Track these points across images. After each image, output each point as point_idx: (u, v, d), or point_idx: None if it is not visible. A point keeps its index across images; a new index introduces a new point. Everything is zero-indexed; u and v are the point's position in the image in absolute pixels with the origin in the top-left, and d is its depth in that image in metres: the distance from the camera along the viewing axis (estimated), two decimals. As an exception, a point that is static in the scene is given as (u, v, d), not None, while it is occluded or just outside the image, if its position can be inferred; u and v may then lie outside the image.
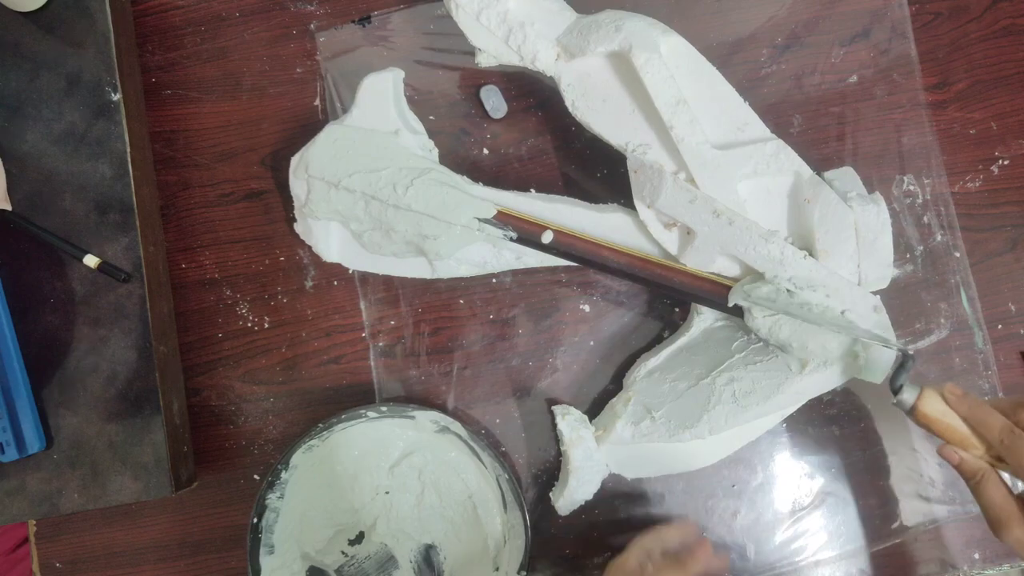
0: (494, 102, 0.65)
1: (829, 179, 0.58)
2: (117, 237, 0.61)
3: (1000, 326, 0.65)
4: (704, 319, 0.61)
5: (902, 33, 0.66)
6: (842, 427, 0.64)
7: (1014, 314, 0.65)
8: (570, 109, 0.58)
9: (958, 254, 0.65)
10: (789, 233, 0.58)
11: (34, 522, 0.65)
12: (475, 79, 0.66)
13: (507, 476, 0.58)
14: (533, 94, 0.66)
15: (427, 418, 0.61)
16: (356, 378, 0.65)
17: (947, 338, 0.64)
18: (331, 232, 0.62)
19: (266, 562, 0.59)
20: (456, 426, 0.60)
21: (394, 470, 0.63)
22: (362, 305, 0.65)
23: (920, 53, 0.66)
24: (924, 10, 0.67)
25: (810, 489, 0.64)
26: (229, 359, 0.65)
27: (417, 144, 0.60)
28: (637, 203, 0.58)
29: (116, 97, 0.61)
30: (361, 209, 0.59)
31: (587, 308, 0.65)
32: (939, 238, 0.65)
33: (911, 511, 0.63)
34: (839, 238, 0.55)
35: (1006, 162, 0.66)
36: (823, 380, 0.57)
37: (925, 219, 0.65)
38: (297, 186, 0.61)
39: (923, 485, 0.64)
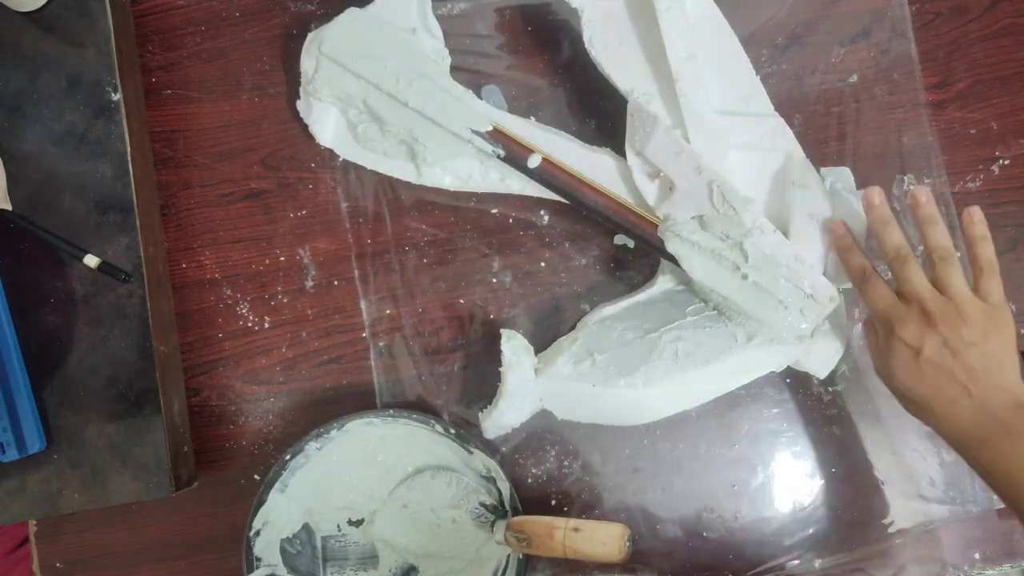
0: (495, 102, 0.65)
1: (824, 174, 0.59)
2: (117, 237, 0.61)
3: (1000, 326, 0.65)
4: (667, 280, 0.63)
5: (902, 33, 0.66)
6: (842, 427, 0.64)
7: (1014, 314, 0.65)
8: (586, 44, 0.59)
9: (958, 254, 0.65)
10: (766, 211, 0.58)
11: (34, 522, 0.65)
12: (476, 79, 0.66)
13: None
14: (534, 93, 0.66)
15: (480, 461, 0.60)
16: (356, 378, 0.65)
17: (947, 338, 0.64)
18: (329, 116, 0.63)
19: (275, 497, 0.59)
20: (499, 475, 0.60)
21: (411, 481, 0.63)
22: (362, 305, 0.65)
23: (920, 53, 0.66)
24: (924, 10, 0.67)
25: (810, 489, 0.64)
26: (229, 359, 0.65)
27: (432, 47, 0.62)
28: (627, 148, 0.59)
29: (116, 97, 0.61)
30: (361, 98, 0.60)
31: (587, 308, 0.65)
32: (939, 238, 0.65)
33: (911, 511, 0.63)
34: (814, 225, 0.56)
35: (1006, 162, 0.66)
36: (767, 359, 0.58)
37: (925, 219, 0.65)
38: (307, 62, 0.62)
39: (923, 485, 0.64)
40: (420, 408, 0.64)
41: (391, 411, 0.60)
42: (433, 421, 0.60)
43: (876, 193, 0.55)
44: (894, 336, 0.52)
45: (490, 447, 0.64)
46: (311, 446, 0.60)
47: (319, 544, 0.63)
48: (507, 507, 0.59)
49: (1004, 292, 0.53)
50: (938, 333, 0.51)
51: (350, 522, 0.63)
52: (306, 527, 0.63)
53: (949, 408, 0.51)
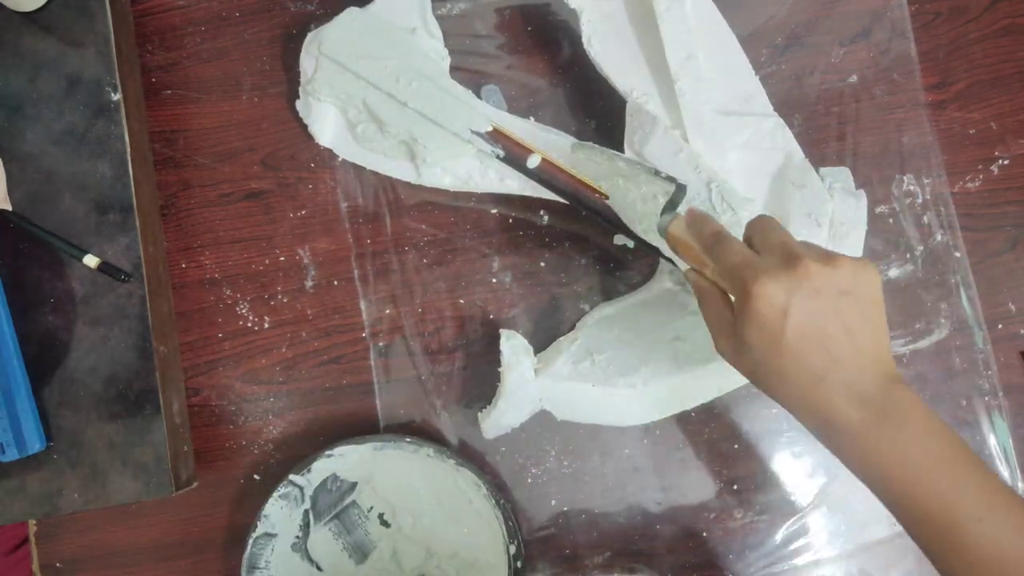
0: (494, 102, 0.65)
1: (823, 174, 0.59)
2: (117, 237, 0.61)
3: (1000, 326, 0.65)
4: (667, 280, 0.63)
5: (902, 33, 0.66)
6: (842, 427, 0.64)
7: (1014, 314, 0.65)
8: (585, 45, 0.59)
9: (958, 254, 0.65)
10: (765, 212, 0.59)
11: (34, 522, 0.65)
12: (475, 79, 0.66)
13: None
14: (534, 93, 0.66)
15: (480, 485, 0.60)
16: (356, 378, 0.65)
17: (947, 338, 0.64)
18: (329, 116, 0.63)
19: (360, 449, 0.60)
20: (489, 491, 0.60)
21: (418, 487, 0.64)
22: (362, 305, 0.65)
23: (920, 53, 0.66)
24: (924, 10, 0.67)
25: (810, 489, 0.64)
26: (229, 359, 0.65)
27: (431, 47, 0.62)
28: (626, 148, 0.59)
29: (116, 97, 0.61)
30: (361, 98, 0.60)
31: (587, 308, 0.65)
32: (939, 238, 0.65)
33: (911, 511, 0.63)
34: (813, 225, 0.56)
35: (1006, 162, 0.66)
36: None
37: (925, 219, 0.65)
38: (307, 61, 0.62)
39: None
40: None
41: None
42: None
43: (692, 212, 0.49)
44: (751, 296, 0.41)
45: (490, 447, 0.64)
46: (408, 445, 0.60)
47: (346, 502, 0.63)
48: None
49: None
50: (809, 281, 0.40)
51: (380, 517, 0.63)
52: (352, 487, 0.63)
53: (814, 387, 0.41)
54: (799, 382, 0.41)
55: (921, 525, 0.40)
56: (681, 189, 0.52)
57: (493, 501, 0.59)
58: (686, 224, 0.49)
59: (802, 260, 0.41)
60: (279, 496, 0.60)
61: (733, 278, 0.43)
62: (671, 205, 0.51)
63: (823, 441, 0.43)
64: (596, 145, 0.57)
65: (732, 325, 0.44)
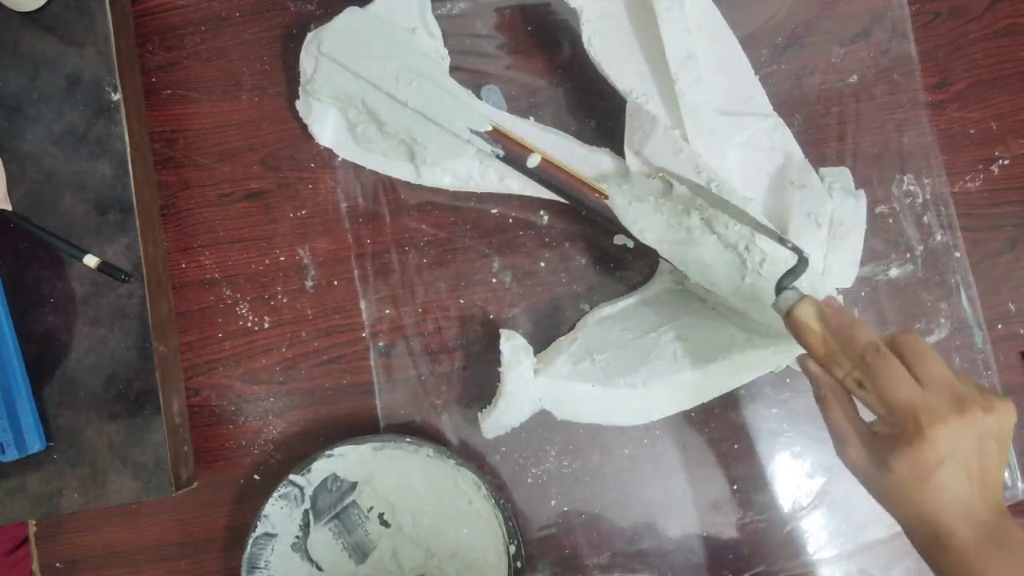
0: (494, 102, 0.65)
1: (823, 174, 0.59)
2: (117, 237, 0.61)
3: (1000, 326, 0.65)
4: (666, 280, 0.63)
5: (902, 33, 0.66)
6: (842, 427, 0.64)
7: (1014, 314, 0.65)
8: (585, 44, 0.59)
9: (958, 254, 0.65)
10: (765, 211, 0.58)
11: (34, 522, 0.65)
12: (475, 79, 0.66)
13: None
14: (534, 93, 0.66)
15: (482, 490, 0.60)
16: (356, 378, 0.65)
17: (947, 338, 0.64)
18: (329, 116, 0.63)
19: (358, 450, 0.60)
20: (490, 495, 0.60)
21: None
22: (362, 305, 0.65)
23: (920, 53, 0.66)
24: (924, 10, 0.67)
25: (810, 489, 0.64)
26: (229, 359, 0.65)
27: (431, 47, 0.62)
28: (626, 148, 0.59)
29: (116, 97, 0.61)
30: (360, 98, 0.60)
31: (587, 308, 0.65)
32: (939, 238, 0.65)
33: (911, 511, 0.63)
34: (813, 225, 0.56)
35: (1006, 162, 0.66)
36: (766, 359, 0.58)
37: (925, 219, 0.65)
38: (306, 61, 0.62)
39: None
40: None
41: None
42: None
43: (829, 302, 0.48)
44: (924, 439, 0.42)
45: (490, 447, 0.64)
46: (408, 445, 0.60)
47: (346, 502, 0.63)
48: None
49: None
50: (975, 429, 0.42)
51: (380, 517, 0.63)
52: (352, 486, 0.63)
53: (941, 512, 0.43)
54: (932, 508, 0.43)
55: None
56: (804, 262, 0.49)
57: (493, 501, 0.59)
58: (818, 313, 0.47)
59: (972, 408, 0.42)
60: (279, 496, 0.60)
61: (904, 413, 0.43)
62: (791, 276, 0.49)
63: (929, 557, 0.44)
64: (716, 195, 0.54)
65: (868, 438, 0.45)
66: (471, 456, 0.64)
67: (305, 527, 0.62)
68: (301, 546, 0.62)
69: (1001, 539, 0.42)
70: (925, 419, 0.42)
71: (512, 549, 0.59)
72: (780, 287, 0.49)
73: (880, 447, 0.44)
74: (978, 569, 0.42)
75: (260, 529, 0.60)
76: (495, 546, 0.60)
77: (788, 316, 0.48)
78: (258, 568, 0.60)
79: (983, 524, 0.42)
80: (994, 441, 0.43)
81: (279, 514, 0.61)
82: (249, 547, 0.59)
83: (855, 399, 0.48)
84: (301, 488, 0.61)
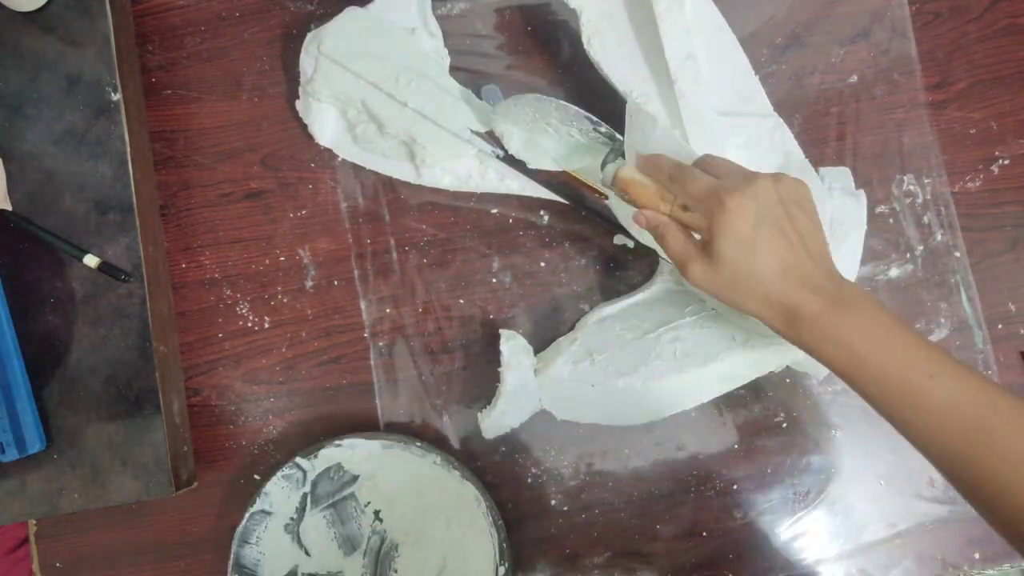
0: (494, 102, 0.65)
1: (823, 174, 0.59)
2: (117, 237, 0.61)
3: (1000, 326, 0.65)
4: (666, 280, 0.63)
5: (902, 33, 0.66)
6: (842, 427, 0.64)
7: (1014, 314, 0.65)
8: (585, 45, 0.59)
9: (958, 254, 0.65)
10: None
11: (34, 522, 0.65)
12: (476, 79, 0.66)
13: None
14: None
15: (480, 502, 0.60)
16: (356, 378, 0.65)
17: (947, 338, 0.64)
18: (329, 117, 0.63)
19: (361, 442, 0.61)
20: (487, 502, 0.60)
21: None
22: (362, 305, 0.65)
23: (920, 53, 0.66)
24: (924, 10, 0.67)
25: (810, 489, 0.64)
26: (229, 359, 0.65)
27: (431, 47, 0.62)
28: (626, 148, 0.59)
29: (116, 97, 0.61)
30: (360, 99, 0.60)
31: (587, 308, 0.65)
32: (939, 238, 0.65)
33: (911, 511, 0.63)
34: None
35: (1006, 162, 0.66)
36: (766, 359, 0.58)
37: (925, 219, 0.65)
38: (306, 61, 0.62)
39: (923, 485, 0.63)
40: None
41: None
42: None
43: (638, 218, 0.52)
44: (726, 210, 0.46)
45: (490, 447, 0.64)
46: (417, 449, 0.60)
47: (345, 493, 0.63)
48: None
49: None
50: (767, 193, 0.47)
51: (376, 514, 0.63)
52: (354, 479, 0.63)
53: (780, 282, 0.46)
54: (769, 279, 0.46)
55: (878, 385, 0.45)
56: (619, 143, 0.54)
57: (491, 519, 0.59)
58: (639, 166, 0.52)
59: (758, 177, 0.47)
60: (281, 476, 0.60)
61: (706, 199, 0.47)
62: (613, 156, 0.54)
63: (788, 334, 0.48)
64: (530, 96, 0.56)
65: (700, 249, 0.49)
66: (471, 457, 0.64)
67: (301, 510, 0.62)
68: (294, 528, 0.62)
69: (844, 300, 0.46)
70: (724, 193, 0.46)
71: (501, 571, 0.59)
72: (604, 164, 0.54)
73: (707, 247, 0.48)
74: (832, 329, 0.46)
75: (258, 505, 0.60)
76: (485, 564, 0.60)
77: (614, 182, 0.53)
78: (249, 543, 0.60)
79: (824, 290, 0.46)
80: (797, 207, 0.47)
81: (279, 493, 0.61)
82: (244, 521, 0.59)
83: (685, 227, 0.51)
84: (304, 471, 0.61)
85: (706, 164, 0.50)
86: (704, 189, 0.48)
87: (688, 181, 0.49)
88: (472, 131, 0.59)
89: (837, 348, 0.46)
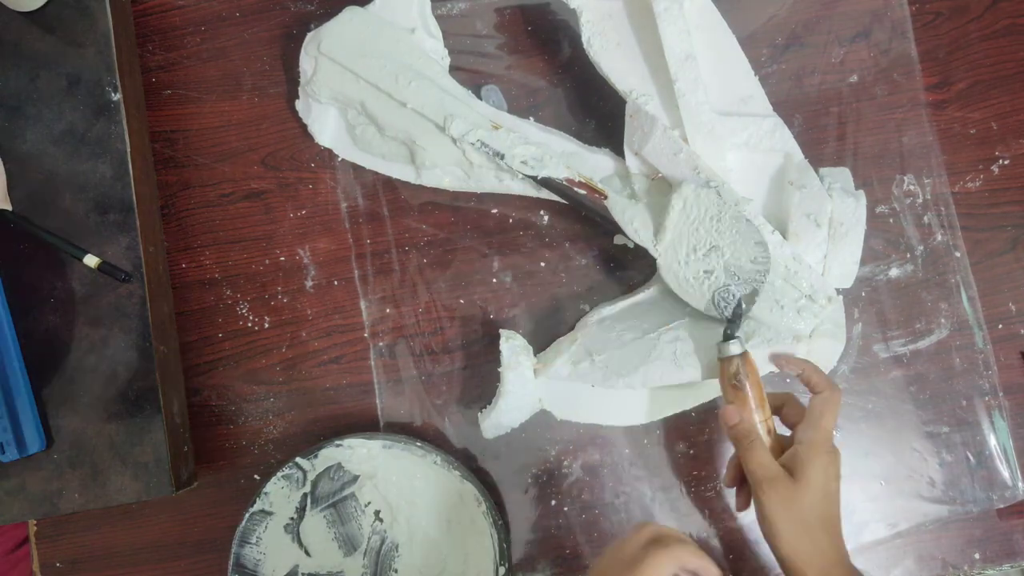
0: (494, 102, 0.65)
1: (823, 175, 0.59)
2: (117, 237, 0.61)
3: (1000, 326, 0.65)
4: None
5: (902, 33, 0.66)
6: (842, 427, 0.64)
7: (1014, 314, 0.65)
8: (585, 46, 0.59)
9: (958, 254, 0.65)
10: (764, 212, 0.58)
11: (34, 522, 0.65)
12: (476, 79, 0.66)
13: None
14: (534, 93, 0.66)
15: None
16: (356, 378, 0.65)
17: (947, 338, 0.64)
18: (329, 117, 0.63)
19: (362, 442, 0.61)
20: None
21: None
22: (362, 305, 0.65)
23: (920, 53, 0.66)
24: (924, 10, 0.67)
25: (810, 489, 0.64)
26: (229, 359, 0.65)
27: (431, 47, 0.62)
28: (626, 148, 0.59)
29: (116, 97, 0.61)
30: (359, 100, 0.60)
31: (587, 308, 0.65)
32: (939, 238, 0.65)
33: (911, 511, 0.63)
34: (812, 225, 0.56)
35: (1006, 162, 0.66)
36: (764, 359, 0.57)
37: (925, 219, 0.65)
38: (306, 61, 0.62)
39: (923, 485, 0.63)
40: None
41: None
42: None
43: (731, 413, 0.54)
44: (834, 463, 0.53)
45: (490, 447, 0.64)
46: (417, 449, 0.60)
47: (346, 493, 0.63)
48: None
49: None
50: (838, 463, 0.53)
51: (376, 514, 0.63)
52: (354, 479, 0.63)
53: (838, 550, 0.52)
54: (829, 544, 0.52)
55: None
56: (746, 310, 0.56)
57: (491, 520, 0.59)
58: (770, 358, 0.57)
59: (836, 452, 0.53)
60: (281, 476, 0.60)
61: (822, 443, 0.52)
62: (738, 321, 0.56)
63: None
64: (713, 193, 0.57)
65: (785, 476, 0.52)
66: (471, 457, 0.64)
67: (301, 510, 0.62)
68: (294, 528, 0.62)
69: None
70: (833, 449, 0.52)
71: (501, 571, 0.59)
72: (728, 335, 0.55)
73: (797, 481, 0.51)
74: None
75: (258, 505, 0.60)
76: (485, 565, 0.60)
77: (730, 361, 0.54)
78: (249, 543, 0.60)
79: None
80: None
81: (279, 493, 0.61)
82: (244, 521, 0.59)
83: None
84: (304, 472, 0.61)
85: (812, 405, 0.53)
86: (825, 435, 0.52)
87: (809, 419, 0.53)
88: (472, 131, 0.59)
89: None
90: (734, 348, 0.54)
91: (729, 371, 0.54)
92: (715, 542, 0.64)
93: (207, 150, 0.67)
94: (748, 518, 0.64)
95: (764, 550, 0.63)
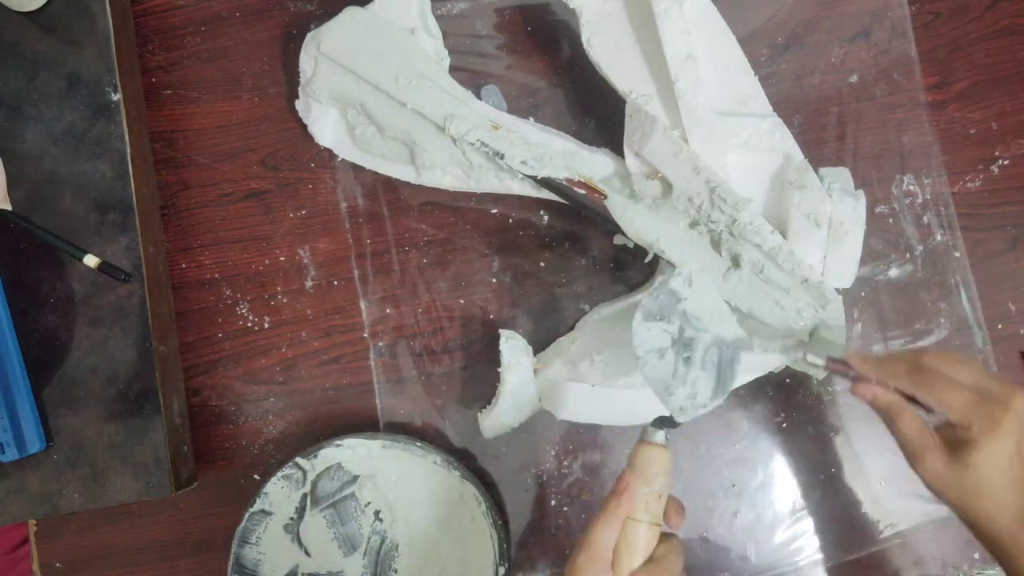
0: (494, 102, 0.65)
1: (823, 175, 0.59)
2: (117, 237, 0.61)
3: (1000, 326, 0.65)
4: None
5: (902, 33, 0.66)
6: (842, 427, 0.64)
7: (1014, 314, 0.65)
8: (584, 46, 0.59)
9: (958, 254, 0.65)
10: (764, 212, 0.58)
11: (34, 522, 0.65)
12: (475, 79, 0.66)
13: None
14: (534, 93, 0.66)
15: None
16: (356, 378, 0.65)
17: (947, 338, 0.64)
18: (328, 117, 0.63)
19: (362, 442, 0.61)
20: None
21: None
22: (362, 305, 0.65)
23: (920, 53, 0.66)
24: (924, 10, 0.67)
25: (809, 489, 0.64)
26: (229, 359, 0.65)
27: (431, 47, 0.61)
28: (626, 148, 0.59)
29: (116, 97, 0.61)
30: (359, 101, 0.60)
31: (587, 308, 0.65)
32: (939, 238, 0.65)
33: (911, 511, 0.63)
34: (812, 225, 0.56)
35: (1006, 162, 0.66)
36: (765, 359, 0.57)
37: (925, 219, 0.65)
38: (306, 61, 0.62)
39: (923, 485, 0.63)
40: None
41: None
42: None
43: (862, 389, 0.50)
44: (998, 425, 0.45)
45: (490, 447, 0.64)
46: (417, 449, 0.60)
47: (346, 493, 0.63)
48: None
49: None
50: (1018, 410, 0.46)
51: (376, 514, 0.63)
52: (354, 479, 0.63)
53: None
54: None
55: None
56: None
57: (491, 519, 0.59)
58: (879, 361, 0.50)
59: (1017, 393, 0.46)
60: (281, 476, 0.60)
61: (971, 411, 0.46)
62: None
63: (1014, 540, 0.47)
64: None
65: (942, 445, 0.47)
66: (470, 456, 0.64)
67: (301, 510, 0.62)
68: (294, 528, 0.62)
69: None
70: (997, 409, 0.45)
71: (501, 571, 0.59)
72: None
73: (958, 450, 0.47)
74: None
75: (258, 505, 0.60)
76: (485, 564, 0.60)
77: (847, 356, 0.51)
78: (249, 543, 0.60)
79: None
80: None
81: (279, 493, 0.61)
82: (244, 521, 0.60)
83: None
84: (304, 472, 0.61)
85: (937, 362, 0.48)
86: (967, 402, 0.46)
87: (943, 389, 0.47)
88: (472, 131, 0.59)
89: None
90: (659, 438, 0.49)
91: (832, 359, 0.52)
92: (715, 542, 0.64)
93: (207, 150, 0.67)
94: (748, 518, 0.64)
95: (764, 550, 0.63)
